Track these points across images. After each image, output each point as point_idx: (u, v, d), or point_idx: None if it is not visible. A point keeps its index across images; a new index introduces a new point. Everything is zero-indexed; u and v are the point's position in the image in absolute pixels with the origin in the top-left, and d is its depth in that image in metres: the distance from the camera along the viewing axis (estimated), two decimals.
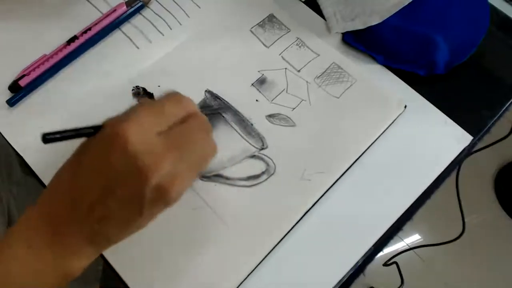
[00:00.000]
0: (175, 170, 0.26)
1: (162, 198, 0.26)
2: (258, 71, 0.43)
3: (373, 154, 0.40)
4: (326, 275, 0.36)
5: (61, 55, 0.42)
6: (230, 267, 0.35)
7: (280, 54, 0.44)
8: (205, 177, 0.39)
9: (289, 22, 0.46)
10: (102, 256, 0.35)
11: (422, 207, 0.40)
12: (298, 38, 0.45)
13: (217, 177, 0.39)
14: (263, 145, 0.40)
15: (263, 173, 0.39)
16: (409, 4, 0.44)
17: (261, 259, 0.36)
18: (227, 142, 0.40)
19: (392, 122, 0.42)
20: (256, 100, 0.42)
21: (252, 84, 0.43)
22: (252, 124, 0.41)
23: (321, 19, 0.47)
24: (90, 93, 0.42)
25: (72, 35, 0.43)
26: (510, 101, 0.44)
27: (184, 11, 0.46)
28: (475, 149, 0.45)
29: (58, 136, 0.26)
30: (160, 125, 0.27)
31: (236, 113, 0.41)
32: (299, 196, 0.38)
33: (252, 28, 0.46)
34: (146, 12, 0.46)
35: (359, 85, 0.43)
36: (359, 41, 0.45)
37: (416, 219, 0.40)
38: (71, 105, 0.41)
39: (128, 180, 0.25)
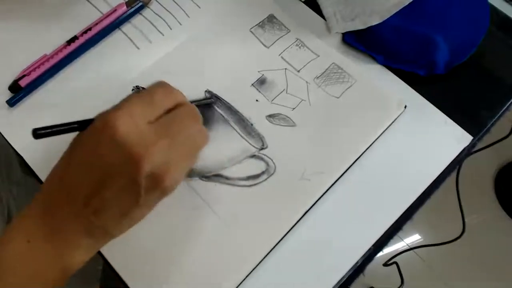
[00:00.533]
0: (167, 158, 0.26)
1: (158, 186, 0.26)
2: (258, 71, 0.44)
3: (373, 154, 0.40)
4: (326, 275, 0.36)
5: (61, 55, 0.42)
6: (230, 267, 0.35)
7: (280, 55, 0.44)
8: (205, 177, 0.39)
9: (289, 22, 0.46)
10: (102, 256, 0.35)
11: (422, 207, 0.40)
12: (298, 39, 0.45)
13: (217, 177, 0.39)
14: (263, 145, 0.40)
15: (263, 173, 0.39)
16: (409, 4, 0.44)
17: (261, 259, 0.36)
18: (227, 142, 0.40)
19: (392, 122, 0.42)
20: (256, 100, 0.42)
21: (252, 84, 0.43)
22: (252, 124, 0.41)
23: (321, 19, 0.47)
24: (90, 93, 0.42)
25: (72, 35, 0.43)
26: (510, 101, 0.44)
27: (184, 11, 0.46)
28: (475, 149, 0.45)
29: (49, 131, 0.27)
30: (149, 114, 0.27)
31: (236, 113, 0.41)
32: (299, 196, 0.38)
33: (252, 28, 0.46)
34: (146, 12, 0.46)
35: (359, 85, 0.43)
36: (359, 41, 0.45)
37: (416, 219, 0.40)
38: (71, 105, 0.41)
39: (121, 170, 0.26)
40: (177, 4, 0.46)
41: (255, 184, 0.38)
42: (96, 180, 0.26)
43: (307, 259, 0.37)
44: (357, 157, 0.40)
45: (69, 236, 0.28)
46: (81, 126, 0.28)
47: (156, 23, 0.45)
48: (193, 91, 0.42)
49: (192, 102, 0.31)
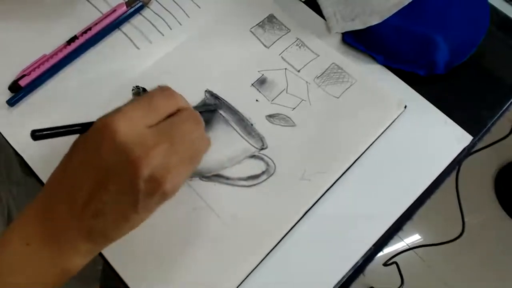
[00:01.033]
0: (167, 163, 0.26)
1: (157, 190, 0.26)
2: (258, 71, 0.44)
3: (373, 154, 0.40)
4: (326, 275, 0.36)
5: (61, 55, 0.42)
6: (230, 267, 0.35)
7: (280, 54, 0.44)
8: (205, 177, 0.39)
9: (289, 22, 0.46)
10: (102, 256, 0.35)
11: (422, 207, 0.40)
12: (298, 39, 0.45)
13: (217, 177, 0.39)
14: (263, 145, 0.40)
15: (263, 173, 0.39)
16: (409, 4, 0.44)
17: (261, 259, 0.36)
18: (227, 142, 0.40)
19: (392, 122, 0.42)
20: (256, 100, 0.42)
21: (252, 84, 0.43)
22: (252, 124, 0.41)
23: (321, 19, 0.47)
24: (90, 93, 0.42)
25: (72, 35, 0.43)
26: (510, 101, 0.44)
27: (184, 11, 0.46)
28: (475, 149, 0.45)
29: (47, 133, 0.27)
30: (149, 118, 0.27)
31: (236, 113, 0.41)
32: (299, 196, 0.38)
33: (252, 28, 0.46)
34: (146, 12, 0.46)
35: (359, 85, 0.43)
36: (359, 41, 0.45)
37: (416, 219, 0.40)
38: (71, 105, 0.41)
39: (120, 173, 0.25)
40: (177, 4, 0.46)
41: (255, 184, 0.38)
42: (96, 183, 0.26)
43: (307, 259, 0.37)
44: (357, 157, 0.40)
45: (67, 240, 0.28)
46: (80, 129, 0.28)
47: (156, 23, 0.45)
48: (193, 91, 0.42)
49: (195, 108, 0.30)
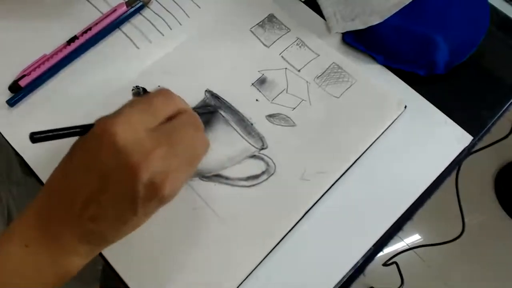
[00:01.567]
0: (166, 167, 0.26)
1: (156, 195, 0.26)
2: (258, 71, 0.43)
3: (373, 154, 0.40)
4: (326, 275, 0.36)
5: (61, 55, 0.42)
6: (230, 267, 0.35)
7: (280, 54, 0.44)
8: (205, 177, 0.39)
9: (289, 22, 0.46)
10: (102, 256, 0.35)
11: (422, 207, 0.40)
12: (298, 38, 0.45)
13: (217, 177, 0.39)
14: (263, 145, 0.40)
15: (263, 173, 0.39)
16: (409, 4, 0.44)
17: (261, 259, 0.36)
18: (227, 142, 0.40)
19: (392, 122, 0.42)
20: (256, 100, 0.42)
21: (252, 84, 0.43)
22: (252, 124, 0.41)
23: (321, 19, 0.47)
24: (90, 93, 0.42)
25: (72, 35, 0.43)
26: (510, 101, 0.44)
27: (184, 11, 0.46)
28: (475, 149, 0.45)
29: (46, 135, 0.26)
30: (149, 121, 0.27)
31: (236, 113, 0.41)
32: (299, 196, 0.38)
33: (252, 28, 0.46)
34: (146, 12, 0.46)
35: (359, 85, 0.43)
36: (359, 41, 0.45)
37: (416, 219, 0.40)
38: (71, 105, 0.41)
39: (119, 177, 0.25)
40: (177, 4, 0.46)
41: (255, 184, 0.38)
42: (94, 186, 0.26)
43: (307, 259, 0.37)
44: (357, 157, 0.40)
45: (66, 242, 0.28)
46: (80, 131, 0.28)
47: (156, 23, 0.45)
48: (193, 91, 0.42)
49: (195, 109, 0.30)
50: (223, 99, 0.42)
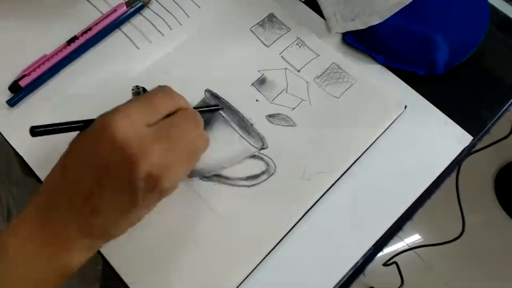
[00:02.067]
0: (165, 160, 0.26)
1: (155, 188, 0.26)
2: (258, 71, 0.44)
3: (373, 154, 0.40)
4: (326, 275, 0.36)
5: (61, 55, 0.42)
6: (230, 267, 0.35)
7: (280, 54, 0.44)
8: (205, 177, 0.39)
9: (289, 21, 0.46)
10: (102, 256, 0.35)
11: (422, 207, 0.40)
12: (298, 38, 0.45)
13: (217, 177, 0.39)
14: (263, 145, 0.40)
15: (263, 173, 0.39)
16: (409, 4, 0.44)
17: (261, 259, 0.36)
18: (227, 142, 0.40)
19: (392, 122, 0.42)
20: (256, 100, 0.42)
21: (252, 84, 0.43)
22: (252, 124, 0.41)
23: (321, 19, 0.47)
24: (90, 93, 0.42)
25: (72, 35, 0.43)
26: (510, 101, 0.44)
27: (184, 11, 0.46)
28: (475, 149, 0.45)
29: (46, 129, 0.27)
30: (148, 116, 0.27)
31: (236, 113, 0.41)
32: (299, 196, 0.38)
33: (252, 27, 0.46)
34: (146, 12, 0.46)
35: (359, 85, 0.43)
36: (359, 41, 0.45)
37: (416, 219, 0.40)
38: (71, 105, 0.41)
39: (119, 170, 0.26)
40: (177, 4, 0.46)
41: (255, 184, 0.38)
42: (94, 180, 0.26)
43: (307, 259, 0.37)
44: (357, 157, 0.40)
45: (66, 238, 0.28)
46: (79, 126, 0.28)
47: (156, 23, 0.45)
48: (193, 91, 0.42)
49: (195, 108, 0.31)
50: (223, 99, 0.42)
